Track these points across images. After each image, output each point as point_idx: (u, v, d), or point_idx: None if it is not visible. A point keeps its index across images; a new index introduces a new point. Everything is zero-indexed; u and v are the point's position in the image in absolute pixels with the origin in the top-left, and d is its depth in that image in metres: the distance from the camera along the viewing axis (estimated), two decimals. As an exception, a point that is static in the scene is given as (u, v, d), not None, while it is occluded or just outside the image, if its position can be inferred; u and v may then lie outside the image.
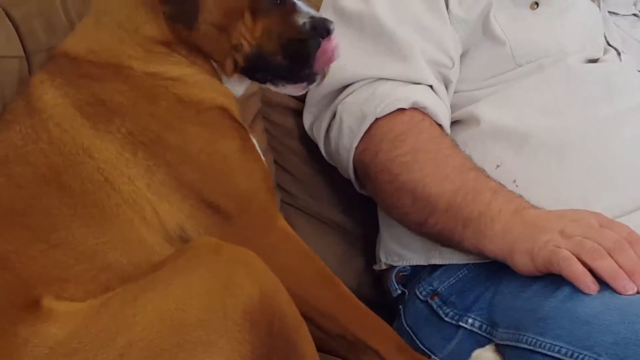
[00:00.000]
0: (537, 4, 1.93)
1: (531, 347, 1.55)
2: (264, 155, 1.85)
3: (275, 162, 2.08)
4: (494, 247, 1.65)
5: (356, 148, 1.84)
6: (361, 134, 1.82)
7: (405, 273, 1.90)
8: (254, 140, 1.69)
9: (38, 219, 1.46)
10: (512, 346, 1.60)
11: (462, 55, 1.92)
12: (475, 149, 1.83)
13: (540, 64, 1.88)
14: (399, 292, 1.90)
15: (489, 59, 1.91)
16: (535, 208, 1.66)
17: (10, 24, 1.81)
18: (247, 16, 1.63)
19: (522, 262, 1.61)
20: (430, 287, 1.82)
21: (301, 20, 1.65)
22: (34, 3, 1.86)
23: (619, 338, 1.44)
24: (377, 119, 1.81)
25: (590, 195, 1.73)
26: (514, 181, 1.77)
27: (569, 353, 1.49)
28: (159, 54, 1.62)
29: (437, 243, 1.80)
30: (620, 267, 1.51)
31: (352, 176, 1.90)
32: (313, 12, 1.68)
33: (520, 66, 1.88)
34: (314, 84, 1.72)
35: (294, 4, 1.67)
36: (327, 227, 2.08)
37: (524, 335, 1.57)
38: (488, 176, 1.75)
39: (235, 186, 1.59)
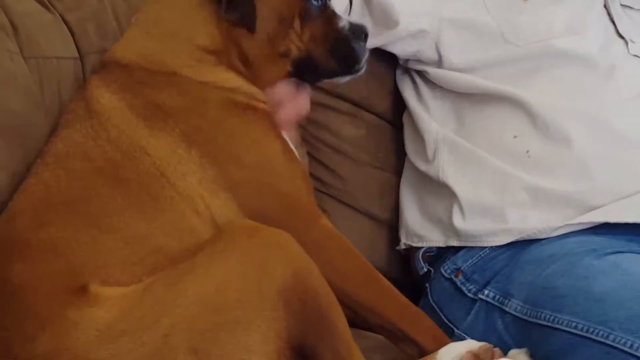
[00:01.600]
0: None
1: (549, 324, 1.58)
2: (298, 148, 1.90)
3: (309, 153, 2.10)
4: None
5: None
6: None
7: (431, 253, 1.92)
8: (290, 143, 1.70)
9: (92, 207, 1.48)
10: (529, 321, 1.63)
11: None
12: (495, 119, 1.88)
13: (545, 49, 1.91)
14: (425, 270, 1.93)
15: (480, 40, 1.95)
16: None
17: (65, 27, 1.83)
18: (297, 23, 1.67)
19: None
20: (455, 266, 1.85)
21: (341, 24, 1.70)
22: (87, 8, 1.88)
23: (631, 313, 1.47)
24: None
25: (597, 173, 1.77)
26: (527, 152, 1.82)
27: (585, 328, 1.51)
28: (208, 63, 1.65)
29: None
30: None
31: None
32: (349, 17, 1.73)
33: (508, 41, 1.92)
34: (359, 74, 1.76)
35: (333, 10, 1.71)
36: (356, 212, 2.09)
37: (542, 312, 1.60)
38: None
39: (280, 186, 1.61)
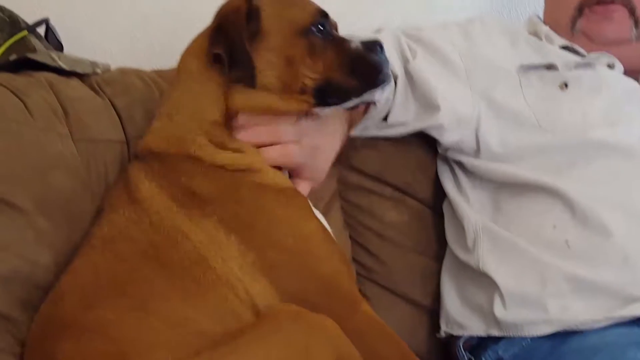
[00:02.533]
0: (566, 84, 1.96)
1: None
2: (341, 232, 1.89)
3: (351, 237, 2.10)
4: None
5: None
6: None
7: (472, 342, 1.90)
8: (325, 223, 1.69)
9: (138, 289, 1.49)
10: None
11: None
12: (534, 209, 1.87)
13: (586, 142, 1.90)
14: (466, 359, 1.90)
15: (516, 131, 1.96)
16: None
17: (114, 111, 1.86)
18: (307, 59, 1.66)
19: None
20: (496, 355, 1.83)
21: (353, 45, 1.68)
22: (135, 93, 1.91)
23: None
24: None
25: (638, 264, 1.76)
26: (567, 242, 1.81)
27: None
28: (221, 140, 1.66)
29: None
30: None
31: None
32: (358, 37, 1.71)
33: (546, 131, 1.92)
34: (390, 82, 1.73)
35: (340, 36, 1.71)
36: (398, 298, 2.07)
37: None
38: None
39: (319, 268, 1.59)
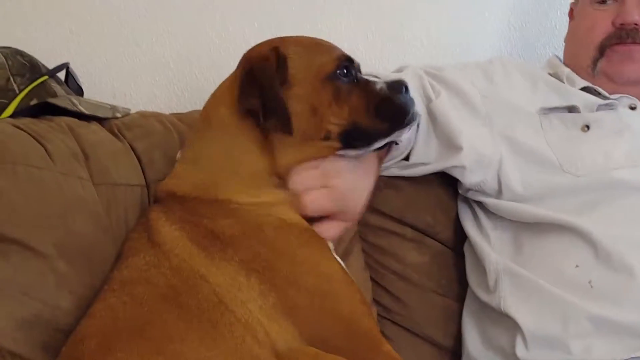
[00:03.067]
0: (587, 127, 1.96)
1: None
2: (362, 273, 1.88)
3: (372, 278, 2.10)
4: None
5: None
6: None
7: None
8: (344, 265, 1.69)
9: (157, 332, 1.48)
10: None
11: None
12: (556, 248, 1.87)
13: (604, 183, 1.90)
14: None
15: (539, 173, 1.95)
16: None
17: (134, 155, 1.88)
18: (332, 105, 1.66)
19: None
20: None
21: (378, 86, 1.68)
22: (154, 137, 1.93)
23: None
24: None
25: None
26: (589, 282, 1.79)
27: None
28: (259, 182, 1.66)
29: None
30: None
31: None
32: (382, 78, 1.71)
33: (568, 172, 1.91)
34: (417, 120, 1.74)
35: (365, 78, 1.71)
36: (419, 339, 2.07)
37: None
38: None
39: (340, 309, 1.58)
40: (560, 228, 1.88)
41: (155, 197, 1.73)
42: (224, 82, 1.75)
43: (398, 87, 1.68)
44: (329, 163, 1.71)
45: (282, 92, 1.63)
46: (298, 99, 1.66)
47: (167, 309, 1.52)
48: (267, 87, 1.63)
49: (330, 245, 1.72)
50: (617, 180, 1.89)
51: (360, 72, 1.74)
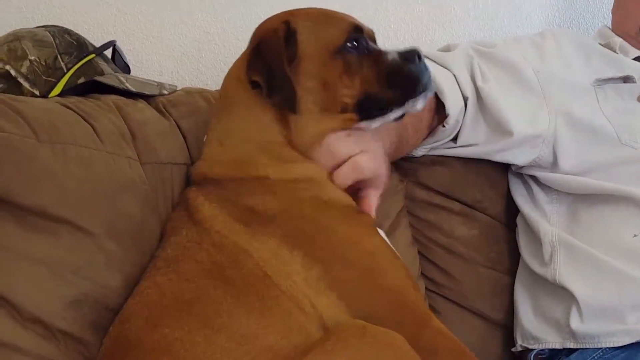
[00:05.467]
0: None
1: None
2: (409, 248, 1.87)
3: (420, 253, 2.10)
4: None
5: None
6: None
7: (543, 355, 1.89)
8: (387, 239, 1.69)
9: (204, 307, 1.50)
10: None
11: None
12: (614, 218, 1.86)
13: None
14: (539, 372, 1.89)
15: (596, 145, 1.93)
16: None
17: (180, 134, 1.89)
18: (344, 78, 1.65)
19: None
20: (569, 368, 1.81)
21: (390, 57, 1.67)
22: (200, 115, 1.94)
23: None
24: None
25: None
26: None
27: None
28: (287, 156, 1.66)
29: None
30: None
31: None
32: (395, 48, 1.69)
33: (626, 145, 1.89)
34: (431, 89, 1.70)
35: (378, 48, 1.70)
36: (468, 313, 2.07)
37: None
38: None
39: (386, 283, 1.57)
40: (617, 198, 1.88)
41: (191, 180, 1.74)
42: (238, 59, 1.75)
43: (410, 56, 1.67)
44: (357, 130, 1.70)
45: (291, 69, 1.63)
46: (308, 75, 1.65)
47: (212, 285, 1.53)
48: (273, 63, 1.62)
49: (373, 217, 1.71)
50: None
51: (374, 41, 1.73)
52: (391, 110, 1.67)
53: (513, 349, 1.99)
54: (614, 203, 1.88)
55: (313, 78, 1.65)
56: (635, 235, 1.82)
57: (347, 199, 1.67)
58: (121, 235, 1.66)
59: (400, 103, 1.67)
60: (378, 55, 1.68)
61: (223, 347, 1.45)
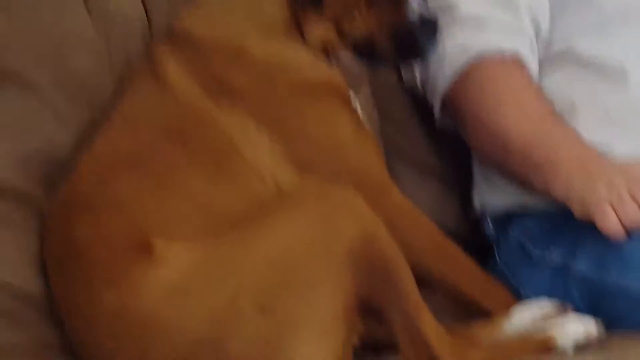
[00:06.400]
0: None
1: (615, 285, 1.56)
2: (369, 106, 1.85)
3: (379, 112, 2.05)
4: (558, 193, 1.64)
5: (452, 80, 1.83)
6: (462, 64, 1.80)
7: (499, 215, 1.88)
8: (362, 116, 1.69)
9: (159, 167, 1.48)
10: (596, 283, 1.60)
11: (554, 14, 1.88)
12: (569, 81, 1.81)
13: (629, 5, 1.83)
14: (494, 232, 1.89)
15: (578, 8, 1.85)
16: (598, 157, 1.64)
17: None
18: (363, 5, 1.63)
19: (576, 210, 1.60)
20: (523, 227, 1.81)
21: (411, 15, 1.64)
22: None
23: None
24: (477, 57, 1.79)
25: None
26: (606, 110, 1.75)
27: None
28: (276, 36, 1.62)
29: (513, 182, 1.79)
30: None
31: (438, 104, 1.88)
32: (422, 7, 1.67)
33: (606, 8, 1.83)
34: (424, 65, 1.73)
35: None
36: (427, 173, 2.04)
37: (608, 272, 1.58)
38: (564, 124, 1.72)
39: (350, 162, 1.58)
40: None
41: (168, 32, 1.68)
42: None
43: (429, 25, 1.64)
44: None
45: None
46: None
47: (171, 146, 1.51)
48: None
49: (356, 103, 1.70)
50: None
51: None
52: (378, 64, 1.69)
53: (469, 210, 1.98)
54: None
55: None
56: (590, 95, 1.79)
57: (325, 76, 1.64)
58: (70, 89, 1.62)
59: (393, 63, 1.70)
60: (402, 6, 1.64)
61: (175, 207, 1.44)
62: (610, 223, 1.53)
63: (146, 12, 1.81)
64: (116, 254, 1.38)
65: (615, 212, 1.53)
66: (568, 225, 1.66)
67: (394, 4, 1.64)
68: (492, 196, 1.89)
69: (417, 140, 2.06)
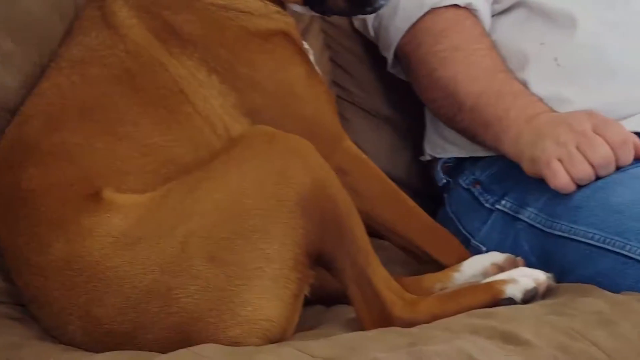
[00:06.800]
0: None
1: (565, 234, 1.57)
2: (321, 54, 1.82)
3: (332, 59, 2.05)
4: (509, 150, 1.65)
5: (405, 33, 1.82)
6: (416, 19, 1.79)
7: (449, 164, 1.89)
8: (313, 60, 1.67)
9: (107, 114, 1.46)
10: (545, 232, 1.61)
11: None
12: (521, 30, 1.81)
13: None
14: (444, 181, 1.90)
15: None
16: (547, 113, 1.64)
17: None
18: None
19: (527, 167, 1.61)
20: (473, 176, 1.82)
21: None
22: None
23: None
24: (431, 9, 1.79)
25: (625, 81, 1.71)
26: (556, 59, 1.76)
27: (602, 239, 1.50)
28: None
29: (464, 137, 1.80)
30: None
31: (391, 55, 1.88)
32: None
33: None
34: (372, 13, 1.71)
35: None
36: (379, 121, 2.05)
37: (558, 222, 1.59)
38: (514, 79, 1.73)
39: (301, 110, 1.57)
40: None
41: None
42: None
43: None
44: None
45: None
46: None
47: (120, 92, 1.48)
48: None
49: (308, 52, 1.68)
50: None
51: None
52: (331, 14, 1.68)
53: (421, 158, 1.98)
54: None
55: None
56: (542, 44, 1.79)
57: (279, 25, 1.61)
58: (18, 32, 1.59)
59: (341, 13, 1.68)
60: None
61: (124, 155, 1.42)
62: (559, 180, 1.54)
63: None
64: (65, 203, 1.36)
65: (564, 167, 1.54)
66: (518, 175, 1.66)
67: None
68: (443, 146, 1.89)
69: (370, 89, 2.06)
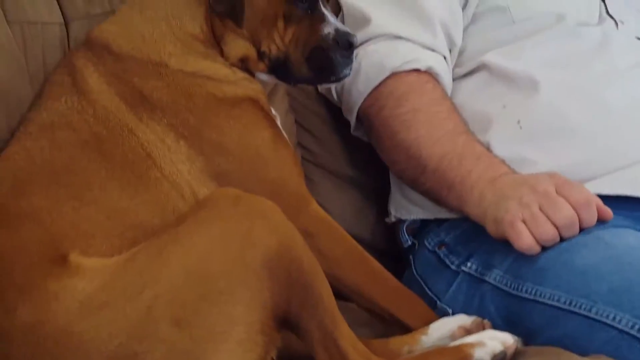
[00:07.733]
0: None
1: (530, 297, 1.55)
2: (286, 116, 1.82)
3: (297, 122, 2.06)
4: (472, 212, 1.65)
5: (367, 97, 1.82)
6: (377, 83, 1.80)
7: (415, 226, 1.89)
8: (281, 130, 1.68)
9: (75, 178, 1.46)
10: (511, 294, 1.60)
11: (466, 26, 1.89)
12: (483, 92, 1.83)
13: (540, 24, 1.85)
14: (410, 243, 1.89)
15: (492, 26, 1.87)
16: (509, 175, 1.65)
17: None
18: (280, 23, 1.62)
19: (490, 229, 1.61)
20: (438, 238, 1.81)
21: (326, 30, 1.63)
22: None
23: (613, 286, 1.45)
24: (392, 74, 1.79)
25: (586, 143, 1.72)
26: (518, 121, 1.76)
27: (567, 301, 1.49)
28: (196, 51, 1.61)
29: (428, 199, 1.80)
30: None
31: (353, 118, 1.89)
32: (340, 24, 1.66)
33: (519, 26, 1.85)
34: (337, 83, 1.74)
35: (323, 14, 1.65)
36: (343, 182, 2.05)
37: (523, 284, 1.57)
38: (476, 141, 1.73)
39: (267, 174, 1.58)
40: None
41: (86, 41, 1.65)
42: None
43: (344, 40, 1.63)
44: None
45: None
46: (251, 2, 1.61)
47: (87, 156, 1.49)
48: None
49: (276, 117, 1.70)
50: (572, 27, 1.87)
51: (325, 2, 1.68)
52: (297, 83, 1.71)
53: (387, 220, 1.98)
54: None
55: (254, 7, 1.61)
56: (504, 107, 1.80)
57: (249, 95, 1.63)
58: (-14, 95, 1.58)
59: (309, 81, 1.72)
60: (318, 23, 1.64)
61: (91, 219, 1.41)
62: (523, 241, 1.53)
63: (65, 22, 1.77)
64: (31, 267, 1.34)
65: (528, 228, 1.54)
66: (483, 237, 1.66)
67: (311, 23, 1.64)
68: (407, 208, 1.89)
69: (334, 150, 2.06)
